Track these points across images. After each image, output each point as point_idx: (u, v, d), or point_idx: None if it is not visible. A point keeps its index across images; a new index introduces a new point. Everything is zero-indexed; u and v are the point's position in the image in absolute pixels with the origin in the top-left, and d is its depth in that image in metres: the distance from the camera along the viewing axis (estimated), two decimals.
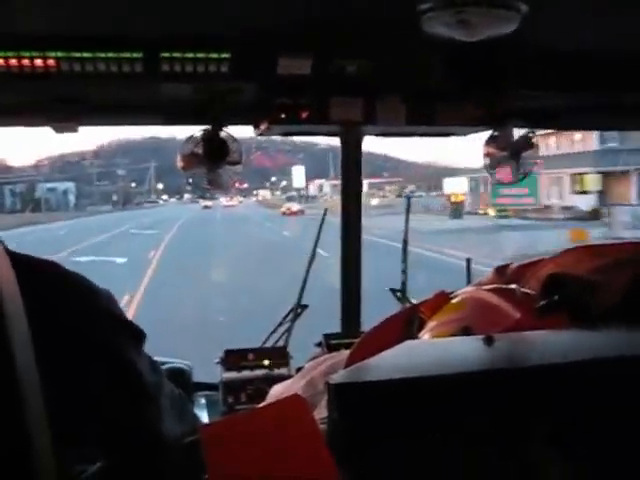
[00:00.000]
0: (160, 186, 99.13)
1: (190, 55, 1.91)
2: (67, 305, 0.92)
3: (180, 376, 2.30)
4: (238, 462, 0.88)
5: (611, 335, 1.14)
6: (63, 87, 1.99)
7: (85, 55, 1.85)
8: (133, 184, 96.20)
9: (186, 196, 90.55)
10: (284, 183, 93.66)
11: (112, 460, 0.87)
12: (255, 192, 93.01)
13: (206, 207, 63.22)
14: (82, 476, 0.86)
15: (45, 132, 2.18)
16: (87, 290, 0.98)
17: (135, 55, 1.88)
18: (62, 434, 0.84)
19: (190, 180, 2.31)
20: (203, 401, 2.48)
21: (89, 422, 0.87)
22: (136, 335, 0.99)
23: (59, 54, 1.84)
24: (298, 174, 79.96)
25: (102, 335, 0.92)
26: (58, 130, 2.23)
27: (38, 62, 1.83)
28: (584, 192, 33.59)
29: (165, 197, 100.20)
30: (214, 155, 2.27)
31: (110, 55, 1.86)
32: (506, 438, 0.97)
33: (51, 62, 1.84)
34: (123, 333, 0.97)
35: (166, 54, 1.90)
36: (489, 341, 1.05)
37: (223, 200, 65.93)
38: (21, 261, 0.92)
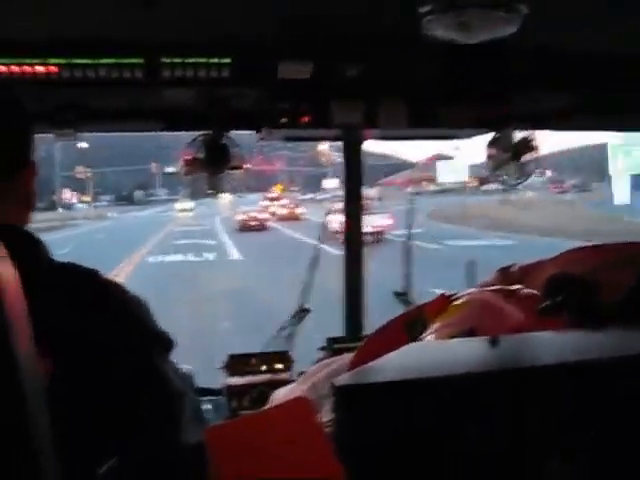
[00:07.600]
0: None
1: (191, 60, 1.91)
2: (99, 308, 0.95)
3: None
4: (244, 463, 0.88)
5: (614, 335, 1.14)
6: (64, 93, 1.99)
7: (86, 61, 1.85)
8: None
9: (104, 198, 53.10)
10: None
11: (126, 459, 0.88)
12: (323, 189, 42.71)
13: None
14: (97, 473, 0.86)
15: None
16: (120, 296, 1.00)
17: (136, 61, 1.88)
18: (83, 431, 0.86)
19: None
20: (209, 406, 2.48)
21: (111, 419, 0.88)
22: (165, 344, 1.02)
23: (60, 60, 1.84)
24: None
25: (130, 339, 0.95)
26: (58, 137, 2.23)
27: (40, 69, 1.84)
28: None
29: None
30: (215, 160, 2.27)
31: (111, 61, 1.86)
32: (511, 440, 0.96)
33: (52, 68, 1.85)
34: (151, 340, 0.99)
35: (167, 60, 1.90)
36: (494, 342, 1.05)
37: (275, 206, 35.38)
38: (58, 266, 0.97)
